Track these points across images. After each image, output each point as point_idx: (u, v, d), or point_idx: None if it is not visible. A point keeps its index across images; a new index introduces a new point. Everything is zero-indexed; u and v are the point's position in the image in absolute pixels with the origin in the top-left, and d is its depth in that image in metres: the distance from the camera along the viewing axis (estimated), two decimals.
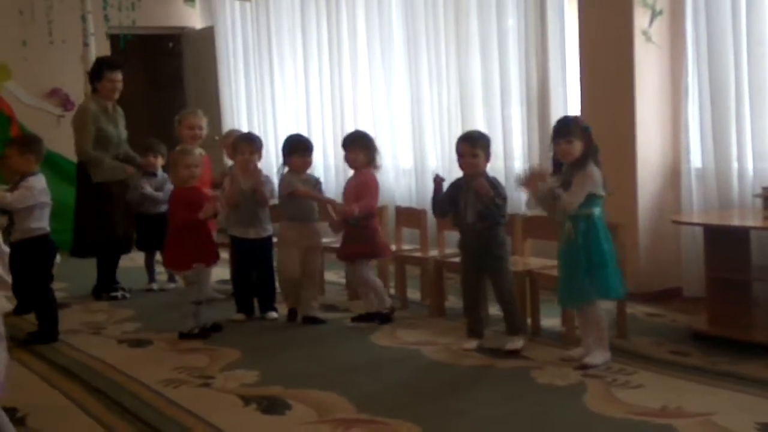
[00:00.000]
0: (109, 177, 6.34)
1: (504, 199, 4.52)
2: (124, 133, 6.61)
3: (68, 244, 6.53)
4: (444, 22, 6.94)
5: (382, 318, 5.28)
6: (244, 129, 8.23)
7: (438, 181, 4.67)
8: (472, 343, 4.61)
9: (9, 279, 2.94)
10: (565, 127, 4.25)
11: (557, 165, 4.30)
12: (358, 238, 5.25)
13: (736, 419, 3.43)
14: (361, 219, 5.20)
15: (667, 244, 5.58)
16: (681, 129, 5.54)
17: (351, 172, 5.54)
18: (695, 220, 5.12)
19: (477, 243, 4.58)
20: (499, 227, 4.57)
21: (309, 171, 5.61)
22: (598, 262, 4.18)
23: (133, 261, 7.19)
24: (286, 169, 5.43)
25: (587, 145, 4.18)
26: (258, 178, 5.40)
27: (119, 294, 6.42)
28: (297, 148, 5.41)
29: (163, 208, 6.11)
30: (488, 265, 4.57)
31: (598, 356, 4.23)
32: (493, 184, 4.53)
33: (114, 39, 9.04)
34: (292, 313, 5.46)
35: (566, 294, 4.33)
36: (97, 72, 6.50)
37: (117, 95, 6.49)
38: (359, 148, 5.30)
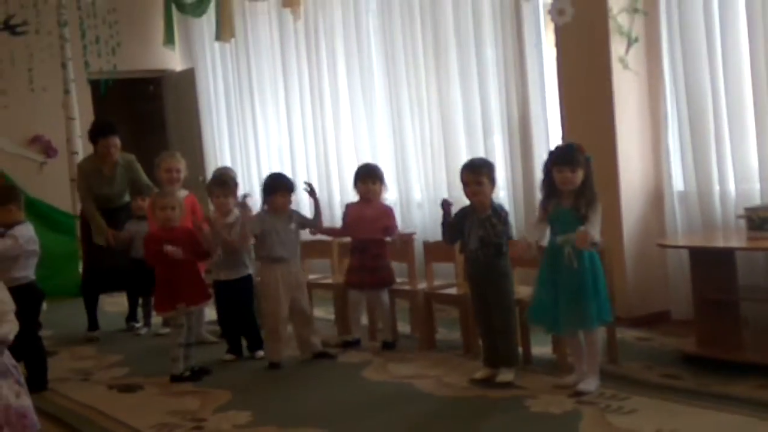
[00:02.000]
0: (101, 240, 6.59)
1: (506, 224, 4.50)
2: (125, 187, 6.71)
3: (51, 290, 6.50)
4: (423, 55, 7.01)
5: (389, 345, 5.51)
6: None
7: (446, 205, 4.67)
8: (482, 373, 4.58)
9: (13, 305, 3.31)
10: (569, 155, 4.26)
11: (549, 190, 4.32)
12: (378, 268, 5.50)
13: None
14: (373, 247, 5.51)
15: (654, 267, 5.61)
16: (662, 153, 5.59)
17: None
18: (680, 243, 5.16)
19: (479, 272, 4.57)
20: (501, 257, 4.54)
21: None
22: (602, 287, 4.24)
23: (121, 305, 7.19)
24: (265, 207, 5.41)
25: (587, 174, 4.22)
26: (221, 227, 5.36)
27: (90, 336, 6.60)
28: (269, 189, 5.36)
29: None
30: (489, 295, 4.56)
31: (592, 382, 4.24)
32: (497, 211, 4.54)
33: (95, 84, 9.05)
34: (273, 366, 5.24)
35: (568, 320, 4.28)
36: (92, 137, 6.72)
37: (114, 158, 6.64)
38: (377, 180, 5.57)
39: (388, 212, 5.63)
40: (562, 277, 4.25)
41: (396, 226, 5.64)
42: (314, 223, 5.56)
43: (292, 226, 5.36)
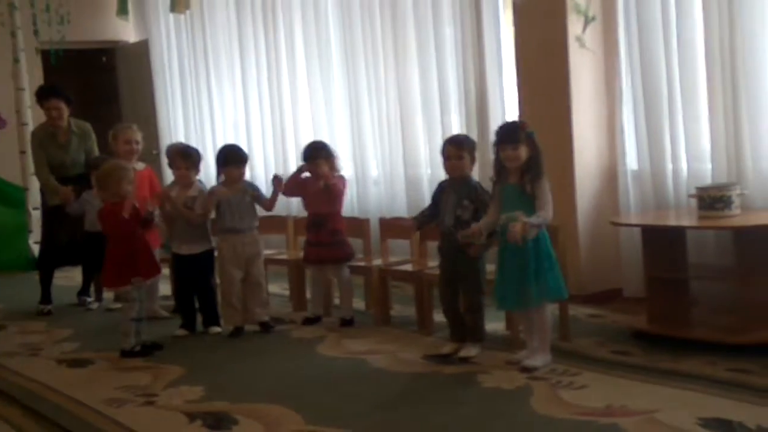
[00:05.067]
0: (56, 201, 6.44)
1: (485, 205, 4.45)
2: (81, 155, 6.58)
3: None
4: (381, 32, 6.96)
5: (348, 322, 5.46)
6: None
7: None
8: (449, 347, 4.59)
9: None
10: (511, 133, 4.28)
11: (499, 169, 4.34)
12: (334, 243, 5.43)
13: (678, 415, 3.48)
14: (330, 222, 5.42)
15: (607, 245, 5.66)
16: (616, 132, 5.64)
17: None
18: (633, 221, 5.21)
19: (452, 249, 4.54)
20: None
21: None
22: (547, 266, 4.23)
23: (72, 279, 7.09)
24: (222, 178, 5.41)
25: (532, 150, 4.23)
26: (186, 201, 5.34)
27: (43, 309, 6.49)
28: (224, 160, 5.38)
29: None
30: (460, 273, 4.55)
31: (539, 358, 4.27)
32: (477, 189, 4.54)
33: (45, 54, 8.86)
34: (237, 331, 5.35)
35: (513, 297, 4.32)
36: (38, 101, 6.65)
37: (61, 121, 6.52)
38: (322, 159, 5.41)
39: (335, 184, 5.42)
40: (508, 254, 4.26)
41: (336, 182, 5.38)
42: (267, 204, 5.53)
43: (247, 198, 5.35)
